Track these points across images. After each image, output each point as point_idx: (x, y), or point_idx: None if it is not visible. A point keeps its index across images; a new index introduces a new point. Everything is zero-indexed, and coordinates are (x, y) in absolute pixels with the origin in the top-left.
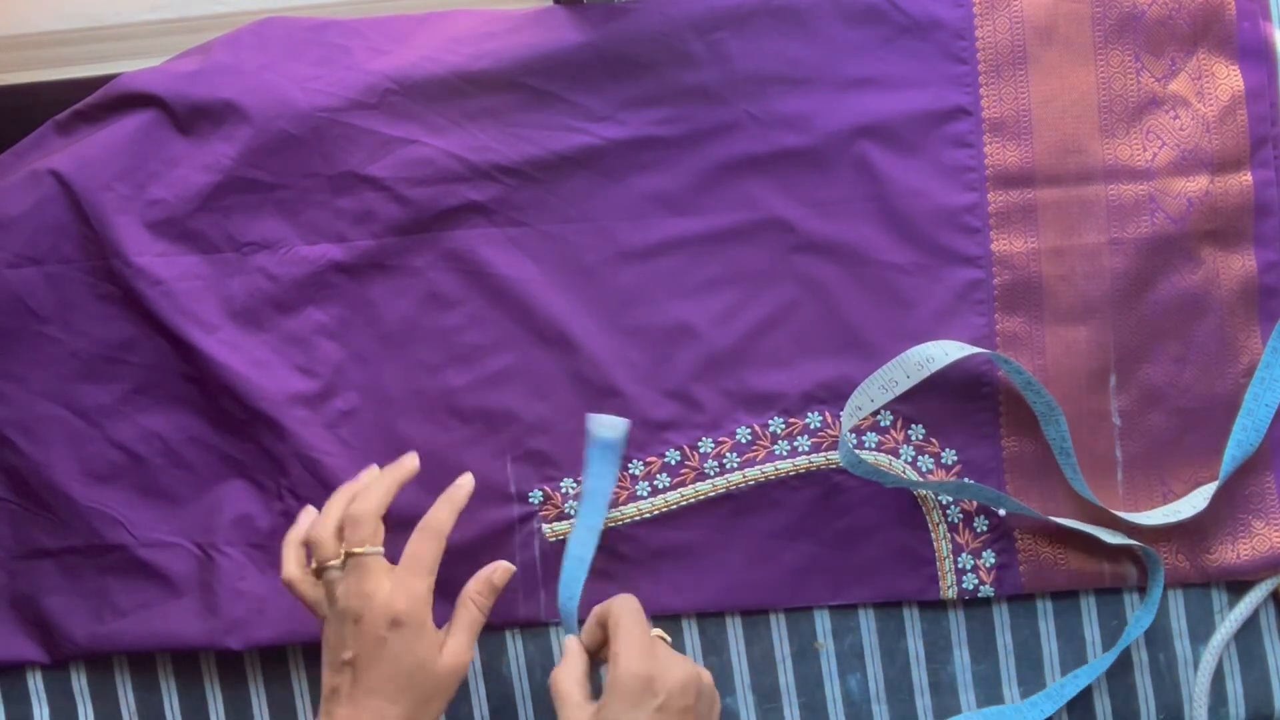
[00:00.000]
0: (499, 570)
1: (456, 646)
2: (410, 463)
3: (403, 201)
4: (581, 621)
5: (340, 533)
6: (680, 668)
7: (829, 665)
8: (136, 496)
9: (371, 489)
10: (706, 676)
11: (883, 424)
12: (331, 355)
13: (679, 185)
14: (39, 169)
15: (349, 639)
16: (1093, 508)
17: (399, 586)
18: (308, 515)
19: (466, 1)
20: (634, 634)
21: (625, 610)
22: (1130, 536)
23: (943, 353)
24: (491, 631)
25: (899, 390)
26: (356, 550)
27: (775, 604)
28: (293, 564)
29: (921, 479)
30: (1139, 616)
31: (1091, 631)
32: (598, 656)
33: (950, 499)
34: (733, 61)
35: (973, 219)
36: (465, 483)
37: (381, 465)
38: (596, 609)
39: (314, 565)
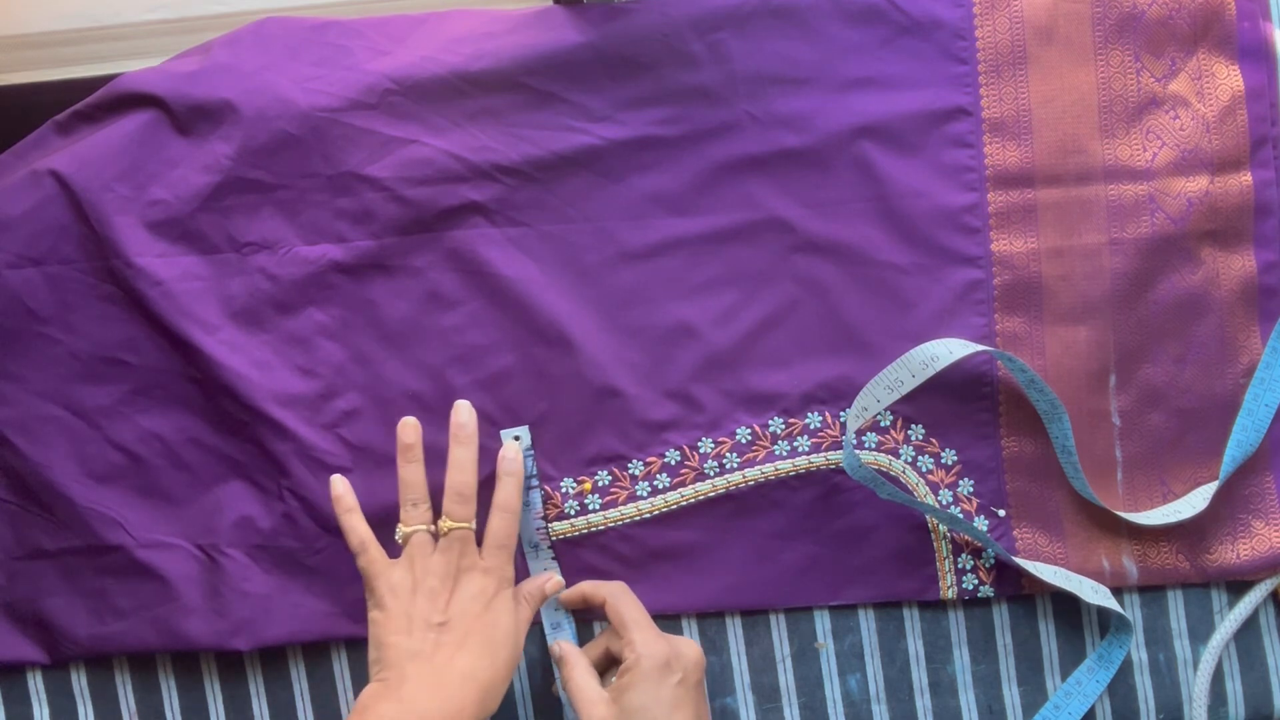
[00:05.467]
0: (551, 581)
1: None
2: (469, 427)
3: (403, 201)
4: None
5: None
6: (689, 646)
7: (829, 665)
8: (136, 497)
9: (465, 467)
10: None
11: (883, 424)
12: (332, 356)
13: (679, 185)
14: (39, 169)
15: (443, 605)
16: (1092, 505)
17: (491, 559)
18: (347, 486)
19: (466, 1)
20: (642, 619)
21: (624, 597)
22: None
23: (947, 351)
24: None
25: (904, 390)
26: (459, 525)
27: (775, 604)
28: (363, 528)
29: (921, 479)
30: (1098, 675)
31: (1091, 632)
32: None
33: (950, 498)
34: (733, 62)
35: (973, 219)
36: (513, 454)
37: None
38: (584, 585)
39: (407, 530)
